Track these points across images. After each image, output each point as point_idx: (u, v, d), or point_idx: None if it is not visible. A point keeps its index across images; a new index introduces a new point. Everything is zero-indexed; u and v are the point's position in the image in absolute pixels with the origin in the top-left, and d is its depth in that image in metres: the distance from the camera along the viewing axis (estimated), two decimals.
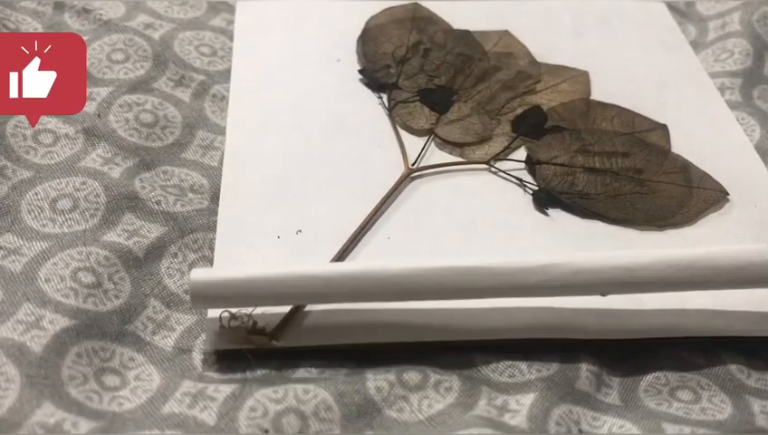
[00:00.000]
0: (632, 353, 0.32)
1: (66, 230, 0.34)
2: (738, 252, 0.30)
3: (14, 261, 0.32)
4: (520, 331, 0.32)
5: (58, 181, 0.35)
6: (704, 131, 0.40)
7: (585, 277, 0.30)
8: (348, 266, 0.31)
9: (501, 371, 0.31)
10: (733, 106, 0.42)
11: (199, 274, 0.30)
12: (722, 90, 0.43)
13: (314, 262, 0.32)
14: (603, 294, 0.31)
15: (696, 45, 0.47)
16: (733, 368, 0.32)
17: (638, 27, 0.47)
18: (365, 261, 0.32)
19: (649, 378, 0.31)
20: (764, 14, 0.47)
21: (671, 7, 0.49)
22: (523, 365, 0.31)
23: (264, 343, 0.31)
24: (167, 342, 0.32)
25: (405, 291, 0.30)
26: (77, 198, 0.35)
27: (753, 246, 0.31)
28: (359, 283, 0.30)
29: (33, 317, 0.30)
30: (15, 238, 0.33)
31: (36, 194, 0.35)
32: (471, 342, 0.32)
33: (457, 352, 0.32)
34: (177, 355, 0.31)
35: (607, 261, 0.30)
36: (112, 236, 0.34)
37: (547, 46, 0.44)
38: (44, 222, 0.34)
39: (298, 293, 0.30)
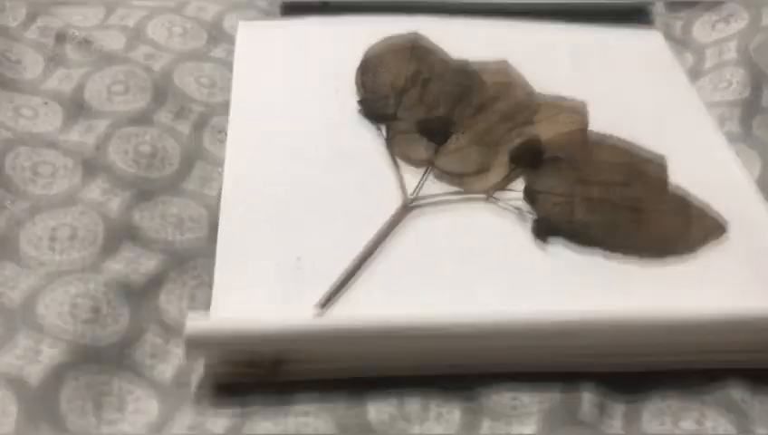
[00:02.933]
0: (634, 381, 0.32)
1: (65, 260, 0.33)
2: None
3: (12, 290, 0.32)
4: (522, 362, 0.32)
5: (57, 212, 0.35)
6: (701, 162, 0.40)
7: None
8: (348, 318, 0.31)
9: (503, 402, 0.31)
10: (732, 137, 0.42)
11: (193, 325, 0.30)
12: (721, 120, 0.43)
13: (311, 313, 0.32)
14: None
15: (694, 73, 0.47)
16: (736, 396, 0.32)
17: (635, 58, 0.47)
18: (367, 309, 0.32)
19: (652, 407, 0.31)
20: (761, 42, 0.47)
21: (668, 35, 0.50)
22: (524, 397, 0.31)
23: (262, 375, 0.31)
24: (165, 373, 0.31)
25: (398, 344, 0.30)
26: (76, 227, 0.35)
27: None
28: (360, 335, 0.30)
29: (31, 348, 0.30)
30: (15, 268, 0.33)
31: (35, 225, 0.35)
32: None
33: (459, 379, 0.31)
34: (176, 386, 0.31)
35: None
36: (111, 266, 0.34)
37: (545, 76, 0.44)
38: (43, 252, 0.34)
39: (295, 345, 0.30)
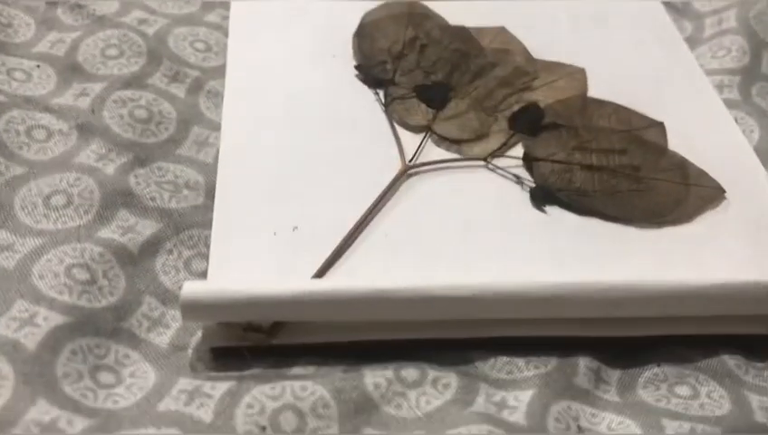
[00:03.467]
0: (630, 349, 0.32)
1: (60, 227, 0.33)
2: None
3: (7, 257, 0.32)
4: (518, 328, 0.32)
5: (52, 177, 0.35)
6: (700, 129, 0.40)
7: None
8: (345, 284, 0.30)
9: (499, 367, 0.31)
10: (731, 105, 0.42)
11: (189, 290, 0.29)
12: (720, 87, 0.43)
13: (307, 279, 0.32)
14: None
15: (693, 42, 0.47)
16: (731, 363, 0.32)
17: (634, 24, 0.47)
18: (365, 277, 0.32)
19: (648, 374, 0.31)
20: (760, 11, 0.47)
21: (667, 4, 0.49)
22: (520, 362, 0.31)
23: (260, 340, 0.31)
24: (162, 339, 0.31)
25: (396, 312, 0.30)
26: (71, 194, 0.34)
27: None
28: (356, 302, 0.30)
29: (26, 314, 0.30)
30: (8, 235, 0.33)
31: (30, 190, 0.34)
32: (469, 339, 0.32)
33: (455, 348, 0.31)
34: (173, 352, 0.31)
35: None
36: (107, 233, 0.33)
37: (543, 43, 0.43)
38: (38, 218, 0.33)
39: (293, 310, 0.30)
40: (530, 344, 0.32)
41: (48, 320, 0.30)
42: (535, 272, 0.33)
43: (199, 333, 0.31)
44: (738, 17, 0.47)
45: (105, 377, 0.30)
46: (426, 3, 0.45)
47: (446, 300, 0.30)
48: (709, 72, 0.44)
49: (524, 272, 0.33)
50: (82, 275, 0.32)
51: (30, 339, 0.29)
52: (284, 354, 0.31)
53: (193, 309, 0.30)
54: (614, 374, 0.31)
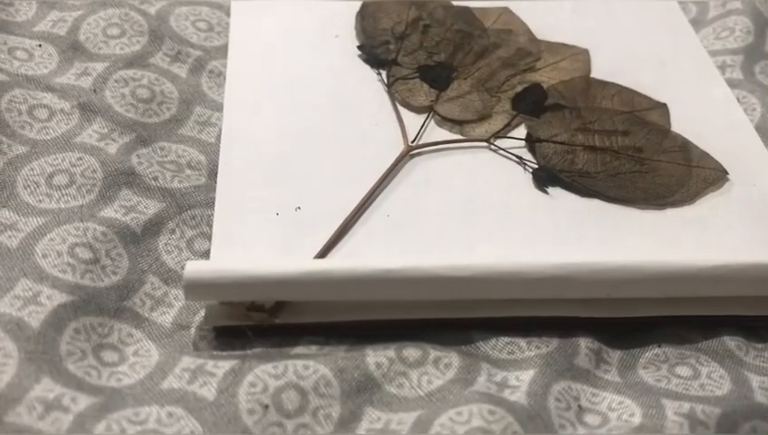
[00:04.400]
0: (631, 330, 0.32)
1: (63, 206, 0.33)
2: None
3: (10, 237, 0.32)
4: (519, 308, 0.32)
5: (54, 157, 0.35)
6: (703, 110, 0.40)
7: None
8: (347, 264, 0.30)
9: (500, 347, 0.31)
10: (734, 84, 0.42)
11: (192, 269, 0.29)
12: (722, 68, 0.43)
13: (310, 259, 0.32)
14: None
15: (697, 23, 0.46)
16: (731, 344, 0.32)
17: (637, 5, 0.46)
18: (367, 257, 0.32)
19: (648, 355, 0.32)
20: None
21: None
22: (522, 342, 0.31)
23: (263, 319, 0.31)
24: (165, 318, 0.31)
25: (398, 292, 0.30)
26: (73, 173, 0.34)
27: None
28: (359, 282, 0.30)
29: (30, 293, 0.30)
30: (11, 214, 0.33)
31: (32, 169, 0.34)
32: (470, 319, 0.32)
33: (456, 329, 0.32)
34: (176, 331, 0.31)
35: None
36: (109, 212, 0.33)
37: (547, 24, 0.43)
38: (41, 198, 0.33)
39: (295, 290, 0.30)
40: (531, 325, 0.32)
41: (51, 299, 0.30)
42: (537, 252, 0.33)
43: (202, 313, 0.31)
44: None
45: (109, 355, 0.30)
46: None
47: (447, 280, 0.30)
48: (713, 54, 0.44)
49: (526, 252, 0.33)
50: (85, 254, 0.32)
51: (34, 317, 0.29)
52: (287, 334, 0.31)
53: (196, 288, 0.30)
54: (615, 355, 0.32)
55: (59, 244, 0.32)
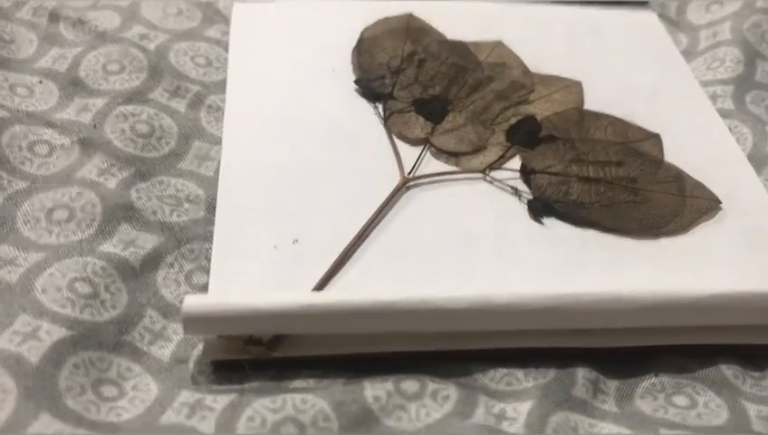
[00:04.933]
0: (627, 360, 0.32)
1: (62, 241, 0.33)
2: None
3: (10, 272, 0.32)
4: (516, 339, 0.32)
5: (54, 192, 0.35)
6: (696, 140, 0.40)
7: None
8: (345, 297, 0.31)
9: (498, 379, 0.31)
10: (725, 114, 0.43)
11: (190, 303, 0.30)
12: (714, 98, 0.44)
13: (307, 292, 0.32)
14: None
15: (688, 54, 0.47)
16: (728, 373, 0.32)
17: (629, 37, 0.47)
18: (364, 289, 0.32)
19: (645, 384, 0.32)
20: (755, 22, 0.47)
21: (662, 17, 0.50)
22: (519, 373, 0.31)
23: (261, 352, 0.31)
24: (164, 352, 0.32)
25: (395, 324, 0.30)
26: (73, 208, 0.35)
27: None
28: (356, 315, 0.30)
29: (29, 328, 0.30)
30: (11, 249, 0.33)
31: (32, 205, 0.35)
32: (468, 350, 0.32)
33: (454, 360, 0.32)
34: (175, 365, 0.31)
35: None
36: (109, 247, 0.34)
37: (540, 57, 0.44)
38: (40, 233, 0.34)
39: (293, 323, 0.30)
40: (528, 355, 0.32)
41: (51, 334, 0.30)
42: (534, 283, 0.33)
43: (200, 346, 0.31)
44: (733, 29, 0.47)
45: (108, 390, 0.30)
46: (424, 15, 0.46)
47: (445, 312, 0.30)
48: (704, 84, 0.45)
49: (523, 283, 0.33)
50: (85, 288, 0.32)
51: (33, 353, 0.29)
52: (285, 367, 0.31)
53: (194, 322, 0.30)
54: (612, 385, 0.32)
55: (58, 279, 0.32)
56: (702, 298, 0.31)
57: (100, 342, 0.31)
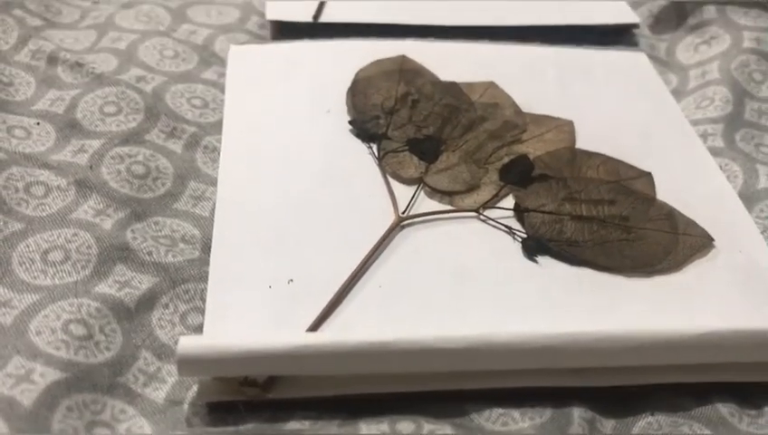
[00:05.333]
0: (623, 398, 0.32)
1: (57, 282, 0.33)
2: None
3: (4, 314, 0.32)
4: (512, 378, 0.32)
5: (50, 233, 0.35)
6: (687, 179, 0.41)
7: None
8: (339, 338, 0.31)
9: (494, 419, 0.31)
10: (715, 152, 0.43)
11: (185, 344, 0.30)
12: (704, 136, 0.44)
13: (302, 333, 0.32)
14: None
15: (678, 94, 0.48)
16: (724, 411, 0.32)
17: (620, 77, 0.48)
18: (359, 330, 0.32)
19: (642, 423, 0.32)
20: (742, 62, 0.48)
21: (652, 57, 0.51)
22: (515, 413, 0.31)
23: (256, 394, 0.31)
24: (158, 394, 0.31)
25: (391, 365, 0.30)
26: (68, 249, 0.35)
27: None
28: (351, 356, 0.30)
29: (23, 370, 0.30)
30: (6, 291, 0.33)
31: (28, 246, 0.35)
32: (463, 390, 0.32)
33: (450, 400, 0.31)
34: (169, 407, 0.31)
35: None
36: (104, 288, 0.34)
37: (532, 97, 0.45)
38: (35, 274, 0.34)
39: (288, 365, 0.30)
40: (524, 395, 0.32)
41: (44, 376, 0.30)
42: (528, 322, 0.33)
43: (195, 388, 0.31)
44: (721, 69, 0.48)
45: (101, 432, 0.29)
46: (417, 57, 0.47)
47: (440, 352, 0.30)
48: (694, 123, 0.45)
49: (518, 322, 0.33)
50: (79, 330, 0.32)
51: (26, 396, 0.29)
52: (280, 408, 0.31)
53: (189, 364, 0.30)
54: (608, 424, 0.31)
55: (53, 320, 0.32)
56: (696, 336, 0.31)
57: (94, 384, 0.31)
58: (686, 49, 0.51)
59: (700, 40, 0.51)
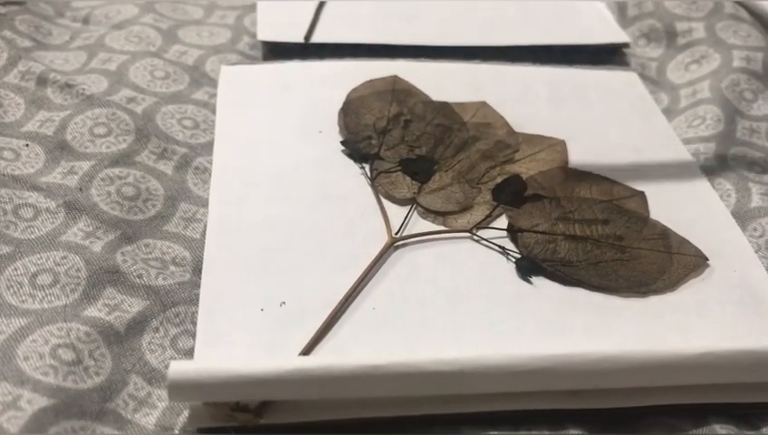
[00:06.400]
0: (620, 420, 0.32)
1: (46, 306, 0.33)
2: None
3: None
4: (507, 401, 0.31)
5: (38, 256, 0.35)
6: (680, 197, 0.41)
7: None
8: (332, 362, 0.30)
9: None
10: (708, 171, 0.43)
11: (176, 369, 0.29)
12: (696, 155, 0.44)
13: (294, 357, 0.32)
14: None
15: (669, 112, 0.48)
16: (722, 433, 0.32)
17: (612, 96, 0.48)
18: (352, 353, 0.32)
19: None
20: (732, 81, 0.48)
21: (643, 76, 0.51)
22: None
23: (248, 420, 0.30)
24: (148, 419, 0.31)
25: (384, 389, 0.30)
26: (57, 272, 0.34)
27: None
28: (344, 380, 0.30)
29: (10, 397, 0.29)
30: None
31: (16, 269, 0.34)
32: (459, 414, 0.31)
33: (446, 424, 0.31)
34: (160, 434, 0.30)
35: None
36: (93, 312, 0.33)
37: (524, 116, 0.45)
38: (24, 298, 0.33)
39: (280, 389, 0.30)
40: (520, 418, 0.31)
41: (32, 403, 0.29)
42: (523, 343, 0.33)
43: (186, 413, 0.31)
44: (711, 87, 0.48)
45: None
46: (408, 77, 0.47)
47: (435, 375, 0.30)
48: (686, 141, 0.45)
49: (512, 343, 0.33)
50: (68, 355, 0.31)
51: (13, 423, 0.29)
52: (272, 431, 0.30)
53: (180, 389, 0.29)
54: None
55: (41, 345, 0.31)
56: (693, 357, 0.31)
57: (83, 410, 0.30)
58: (677, 68, 0.52)
59: (690, 59, 0.52)
